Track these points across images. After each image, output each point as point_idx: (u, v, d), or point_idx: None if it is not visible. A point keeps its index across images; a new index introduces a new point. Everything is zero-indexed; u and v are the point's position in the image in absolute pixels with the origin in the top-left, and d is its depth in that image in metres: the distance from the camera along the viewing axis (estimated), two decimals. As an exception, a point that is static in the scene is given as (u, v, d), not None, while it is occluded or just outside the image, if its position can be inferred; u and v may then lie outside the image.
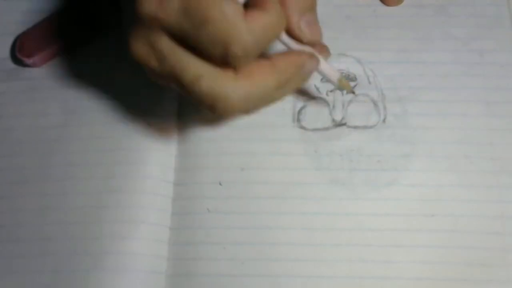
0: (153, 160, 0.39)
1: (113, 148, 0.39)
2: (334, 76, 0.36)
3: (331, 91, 0.40)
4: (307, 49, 0.33)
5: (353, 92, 0.39)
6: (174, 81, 0.31)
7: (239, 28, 0.28)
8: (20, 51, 0.41)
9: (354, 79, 0.40)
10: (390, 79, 0.40)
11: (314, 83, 0.40)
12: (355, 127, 0.39)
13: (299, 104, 0.40)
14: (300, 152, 0.39)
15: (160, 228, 0.38)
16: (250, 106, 0.31)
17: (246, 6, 0.29)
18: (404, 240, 0.36)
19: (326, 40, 0.41)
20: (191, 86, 0.30)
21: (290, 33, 0.32)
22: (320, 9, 0.42)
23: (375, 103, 0.39)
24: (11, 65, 0.42)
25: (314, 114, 0.40)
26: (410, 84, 0.40)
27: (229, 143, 0.39)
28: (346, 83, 0.37)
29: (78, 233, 0.37)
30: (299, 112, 0.40)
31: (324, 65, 0.34)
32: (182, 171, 0.39)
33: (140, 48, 0.30)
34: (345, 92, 0.40)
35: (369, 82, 0.40)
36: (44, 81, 0.42)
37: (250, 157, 0.39)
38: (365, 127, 0.39)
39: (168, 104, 0.40)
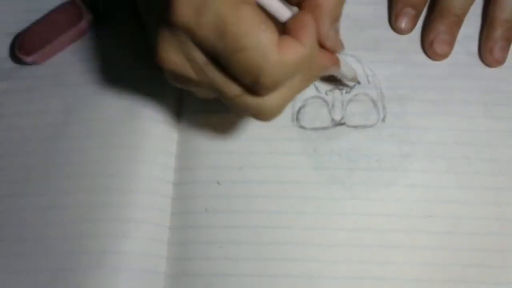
0: (153, 159, 0.39)
1: (113, 147, 0.39)
2: (351, 73, 0.37)
3: (330, 90, 0.40)
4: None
5: (359, 82, 0.39)
6: (214, 92, 0.30)
7: (272, 60, 0.27)
8: (20, 49, 0.41)
9: (353, 78, 0.40)
10: (389, 78, 0.40)
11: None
12: (355, 127, 0.39)
13: (298, 103, 0.40)
14: (298, 152, 0.39)
15: (160, 228, 0.38)
16: (286, 106, 0.31)
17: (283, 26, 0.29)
18: (403, 240, 0.36)
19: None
20: (233, 100, 0.30)
21: (318, 39, 0.31)
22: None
23: (374, 103, 0.39)
24: (11, 64, 0.42)
25: (313, 113, 0.40)
26: (409, 84, 0.40)
27: (228, 142, 0.39)
28: (355, 79, 0.38)
29: (78, 232, 0.37)
30: (298, 111, 0.40)
31: (343, 67, 0.35)
32: (182, 171, 0.39)
33: (172, 55, 0.29)
34: (344, 91, 0.40)
35: (368, 82, 0.40)
36: (44, 79, 0.42)
37: (249, 156, 0.39)
38: (364, 127, 0.39)
39: (169, 104, 0.40)
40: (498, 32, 0.40)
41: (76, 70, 0.42)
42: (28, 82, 0.42)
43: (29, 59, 0.41)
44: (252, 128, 0.39)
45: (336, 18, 0.31)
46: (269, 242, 0.37)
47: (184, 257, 0.37)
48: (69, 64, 0.42)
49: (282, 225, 0.37)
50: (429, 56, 0.41)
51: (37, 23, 0.42)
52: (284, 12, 0.29)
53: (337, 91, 0.40)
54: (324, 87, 0.40)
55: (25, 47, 0.41)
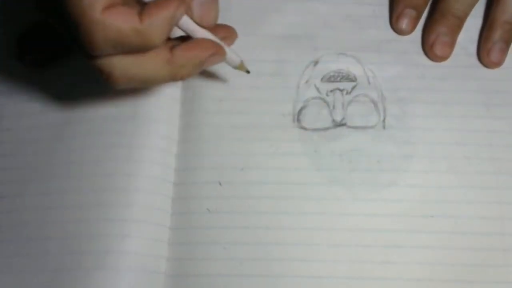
0: (153, 159, 0.39)
1: (113, 148, 0.39)
2: (236, 61, 0.36)
3: (331, 91, 0.40)
4: (210, 36, 0.31)
5: (248, 72, 0.37)
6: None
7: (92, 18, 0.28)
8: (22, 51, 0.41)
9: (354, 79, 0.40)
10: (390, 79, 0.40)
11: (314, 83, 0.40)
12: (355, 128, 0.39)
13: (299, 104, 0.40)
14: (299, 152, 0.39)
15: (160, 228, 0.38)
16: (134, 84, 0.31)
17: None
18: (404, 240, 0.37)
19: (325, 39, 0.41)
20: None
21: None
22: (320, 8, 0.43)
23: (375, 104, 0.39)
24: (12, 65, 0.42)
25: (314, 114, 0.40)
26: (410, 85, 0.40)
27: (229, 143, 0.39)
28: (243, 67, 0.37)
29: (78, 232, 0.37)
30: (299, 112, 0.40)
31: (227, 53, 0.33)
32: (182, 171, 0.39)
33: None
34: (345, 92, 0.40)
35: (369, 83, 0.40)
36: (45, 80, 0.42)
37: (250, 157, 0.39)
38: (365, 128, 0.39)
39: (169, 104, 0.41)
40: (498, 34, 0.40)
41: (76, 72, 0.42)
42: (28, 84, 0.42)
43: (30, 61, 0.41)
44: (253, 129, 0.40)
45: None
46: (270, 242, 0.37)
47: (184, 257, 0.37)
48: (70, 65, 0.42)
49: (283, 225, 0.37)
50: (429, 58, 0.41)
51: (40, 24, 0.42)
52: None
53: (338, 92, 0.40)
54: (325, 88, 0.40)
55: (27, 48, 0.41)
